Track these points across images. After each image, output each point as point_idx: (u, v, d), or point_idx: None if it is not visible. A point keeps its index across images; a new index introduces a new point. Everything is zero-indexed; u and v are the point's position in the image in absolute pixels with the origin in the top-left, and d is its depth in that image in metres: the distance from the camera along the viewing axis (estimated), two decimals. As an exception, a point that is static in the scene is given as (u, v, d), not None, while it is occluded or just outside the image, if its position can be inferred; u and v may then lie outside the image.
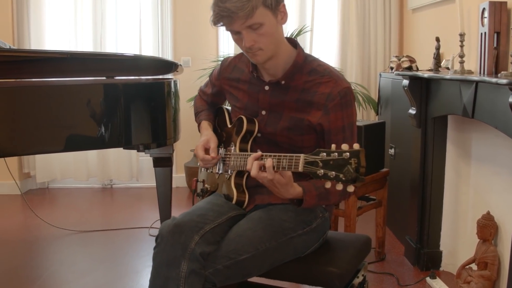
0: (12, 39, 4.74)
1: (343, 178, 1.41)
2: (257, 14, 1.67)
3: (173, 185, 4.95)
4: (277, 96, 1.87)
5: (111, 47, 4.90)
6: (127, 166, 5.02)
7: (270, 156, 1.60)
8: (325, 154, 1.45)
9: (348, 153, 1.41)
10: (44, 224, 3.89)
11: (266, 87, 1.89)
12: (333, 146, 1.46)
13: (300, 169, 1.50)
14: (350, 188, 1.42)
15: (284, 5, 1.77)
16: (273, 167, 1.58)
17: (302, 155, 1.51)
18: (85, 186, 5.16)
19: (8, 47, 3.14)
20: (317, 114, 1.80)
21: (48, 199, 4.85)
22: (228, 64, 2.06)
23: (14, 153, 2.77)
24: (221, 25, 1.73)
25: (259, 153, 1.63)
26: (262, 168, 1.60)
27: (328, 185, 1.44)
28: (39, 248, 3.57)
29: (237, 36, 1.76)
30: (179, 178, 5.12)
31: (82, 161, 4.96)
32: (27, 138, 2.67)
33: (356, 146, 1.42)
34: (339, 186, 1.43)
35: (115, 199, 4.87)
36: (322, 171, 1.44)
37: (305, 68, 1.86)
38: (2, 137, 2.63)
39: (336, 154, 1.43)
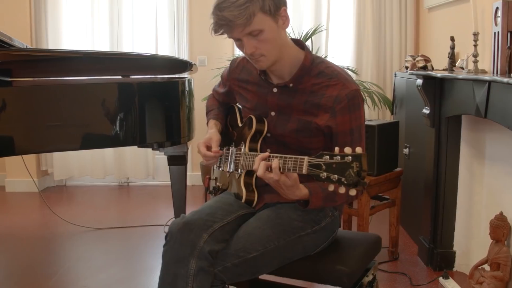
0: (30, 39, 4.81)
1: (345, 182, 1.42)
2: (256, 20, 1.66)
3: (189, 183, 5.02)
4: (286, 99, 1.87)
5: (127, 46, 4.95)
6: (144, 164, 5.07)
7: (276, 157, 1.62)
8: (328, 157, 1.46)
9: (350, 157, 1.42)
10: (61, 221, 3.95)
11: (275, 90, 1.89)
12: (336, 149, 1.46)
13: (304, 171, 1.51)
14: (352, 192, 1.43)
15: (285, 9, 1.75)
16: (279, 168, 1.60)
17: (306, 158, 1.52)
18: (102, 184, 5.23)
19: (24, 47, 3.19)
20: (325, 117, 1.80)
21: (66, 196, 4.92)
22: (236, 65, 2.07)
23: (31, 151, 2.82)
24: (222, 33, 1.73)
25: (267, 153, 1.65)
26: (269, 168, 1.62)
27: (331, 188, 1.45)
28: (56, 244, 3.63)
29: (239, 43, 1.76)
30: (194, 176, 5.16)
31: (99, 159, 5.02)
32: (43, 136, 2.71)
33: (358, 150, 1.42)
34: (342, 189, 1.44)
35: (132, 197, 4.92)
36: (325, 174, 1.45)
37: (313, 70, 1.85)
38: (19, 135, 2.68)
39: (339, 157, 1.43)
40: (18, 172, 4.61)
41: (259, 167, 1.63)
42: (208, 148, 1.97)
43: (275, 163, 1.59)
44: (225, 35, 1.75)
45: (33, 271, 3.14)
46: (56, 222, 3.98)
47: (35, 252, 3.47)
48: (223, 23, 1.67)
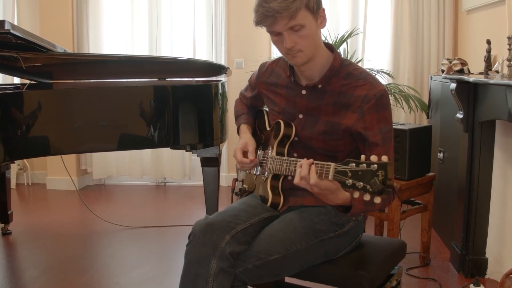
0: (72, 44, 4.97)
1: (370, 190, 1.42)
2: (300, 15, 1.71)
3: (225, 185, 5.08)
4: (314, 100, 1.90)
5: (166, 49, 5.04)
6: (180, 165, 5.15)
7: None
8: (354, 164, 1.46)
9: (376, 165, 1.42)
10: (98, 219, 4.06)
11: (303, 91, 1.92)
12: (363, 157, 1.47)
13: (330, 177, 1.52)
14: (377, 200, 1.42)
15: (324, 10, 1.80)
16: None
17: (332, 164, 1.52)
18: (139, 183, 5.34)
19: (63, 52, 3.30)
20: (353, 117, 1.81)
21: (104, 195, 5.04)
22: (265, 69, 2.10)
23: (66, 151, 2.92)
24: (263, 26, 1.76)
25: (304, 161, 1.64)
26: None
27: (356, 194, 1.45)
28: (91, 242, 3.73)
29: (277, 37, 1.78)
30: (231, 177, 5.19)
31: (137, 159, 5.13)
32: (78, 137, 2.81)
33: (384, 158, 1.42)
34: (367, 197, 1.43)
35: (168, 197, 5.00)
36: (350, 181, 1.46)
37: (342, 72, 1.87)
38: (58, 136, 2.78)
39: (365, 165, 1.44)
40: (59, 171, 4.74)
41: (296, 176, 1.63)
42: (245, 153, 2.01)
43: (312, 170, 1.58)
44: (265, 28, 1.78)
45: (68, 267, 3.24)
46: (93, 220, 4.09)
47: (71, 248, 3.58)
48: (270, 14, 1.71)
